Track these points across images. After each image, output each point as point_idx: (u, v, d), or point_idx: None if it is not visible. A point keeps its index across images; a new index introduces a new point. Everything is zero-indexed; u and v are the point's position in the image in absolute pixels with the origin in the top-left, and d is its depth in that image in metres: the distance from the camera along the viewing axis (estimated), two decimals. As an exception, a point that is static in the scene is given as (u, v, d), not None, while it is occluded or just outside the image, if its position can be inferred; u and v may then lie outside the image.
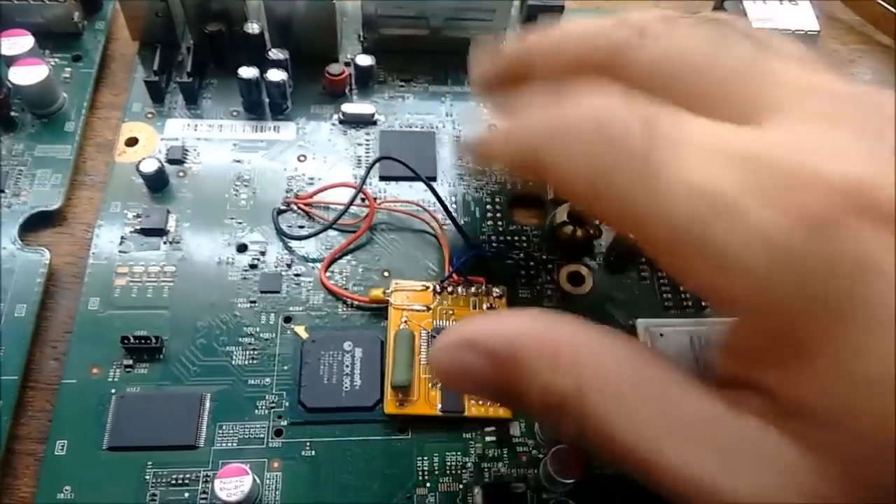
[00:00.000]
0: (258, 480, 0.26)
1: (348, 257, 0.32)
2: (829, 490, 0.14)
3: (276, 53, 0.35)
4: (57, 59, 0.36)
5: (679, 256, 0.16)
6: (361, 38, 0.38)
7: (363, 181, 0.32)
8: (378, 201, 0.33)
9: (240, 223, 0.32)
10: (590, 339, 0.17)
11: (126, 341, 0.28)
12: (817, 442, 0.14)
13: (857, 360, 0.13)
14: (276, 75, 0.34)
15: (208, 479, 0.26)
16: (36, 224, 0.32)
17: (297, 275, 0.31)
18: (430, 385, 0.28)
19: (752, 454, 0.14)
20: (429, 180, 0.33)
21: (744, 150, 0.15)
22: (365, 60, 0.36)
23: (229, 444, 0.27)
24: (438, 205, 0.32)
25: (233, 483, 0.25)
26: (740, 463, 0.14)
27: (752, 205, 0.14)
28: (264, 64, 0.35)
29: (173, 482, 0.26)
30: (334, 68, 0.36)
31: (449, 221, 0.32)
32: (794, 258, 0.13)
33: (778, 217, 0.14)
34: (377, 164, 0.33)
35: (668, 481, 0.15)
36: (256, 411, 0.28)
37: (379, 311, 0.31)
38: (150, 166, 0.32)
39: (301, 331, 0.30)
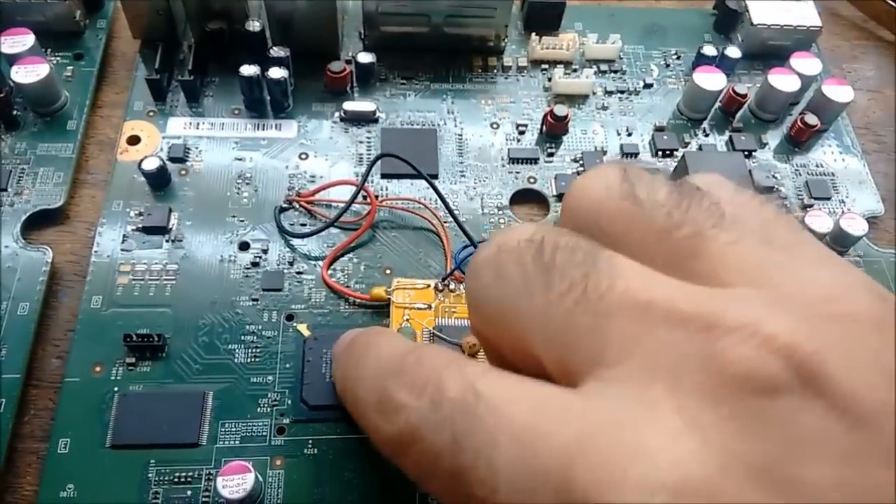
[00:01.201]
0: (260, 478, 0.26)
1: (350, 255, 0.32)
2: None
3: (277, 51, 0.35)
4: (58, 58, 0.36)
5: None
6: (362, 36, 0.38)
7: (364, 179, 0.32)
8: (380, 199, 0.33)
9: (242, 221, 0.32)
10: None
11: (129, 339, 0.28)
12: None
13: None
14: (277, 73, 0.34)
15: (211, 476, 0.26)
16: (38, 222, 0.32)
17: (298, 273, 0.31)
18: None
19: None
20: (430, 178, 0.33)
21: None
22: (366, 58, 0.36)
23: (232, 442, 0.27)
24: (440, 202, 0.32)
25: (235, 481, 0.25)
26: None
27: None
28: (266, 62, 0.35)
29: (176, 480, 0.26)
30: (336, 66, 0.36)
31: (450, 219, 0.32)
32: None
33: None
34: (379, 162, 0.33)
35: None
36: (259, 409, 0.28)
37: (381, 308, 0.31)
38: (151, 164, 0.32)
39: (303, 329, 0.30)
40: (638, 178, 0.17)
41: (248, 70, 0.34)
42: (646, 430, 0.13)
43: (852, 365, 0.13)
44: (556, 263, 0.16)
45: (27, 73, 0.33)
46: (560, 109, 0.35)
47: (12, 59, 0.33)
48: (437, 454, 0.16)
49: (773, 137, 0.37)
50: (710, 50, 0.39)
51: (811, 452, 0.12)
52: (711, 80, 0.36)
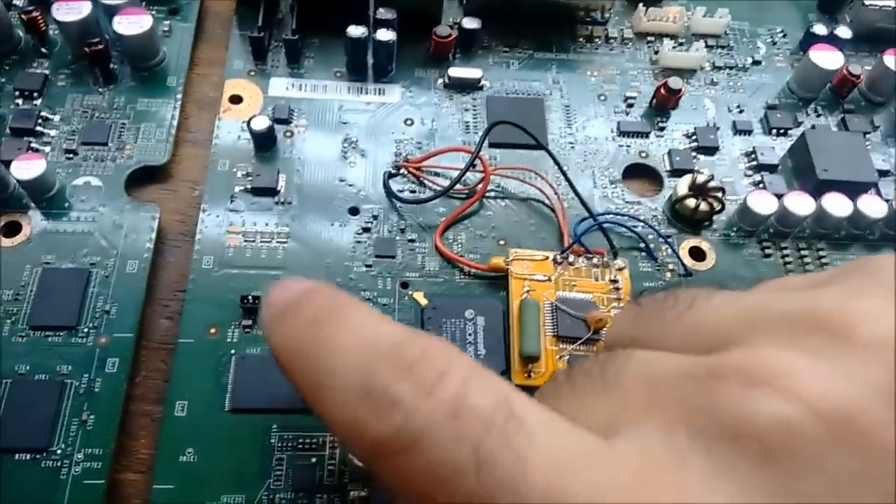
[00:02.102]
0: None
1: (461, 224, 0.31)
2: None
3: (384, 13, 0.34)
4: (154, 12, 0.35)
5: None
6: (464, 1, 0.37)
7: (480, 146, 0.31)
8: (492, 168, 0.32)
9: (350, 185, 0.31)
10: None
11: (245, 301, 0.27)
12: None
13: None
14: (385, 35, 0.33)
15: (335, 444, 0.25)
16: (140, 180, 0.31)
17: (411, 240, 0.30)
18: (557, 357, 0.27)
19: None
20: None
21: None
22: (471, 23, 0.35)
23: (355, 411, 0.26)
24: (551, 173, 0.31)
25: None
26: None
27: None
28: (365, 24, 0.33)
29: (300, 447, 0.25)
30: (442, 30, 0.34)
31: (566, 191, 0.31)
32: None
33: None
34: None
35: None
36: (379, 378, 0.27)
37: (496, 279, 0.29)
38: (261, 124, 0.31)
39: (420, 297, 0.29)
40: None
41: (356, 31, 0.33)
42: (680, 477, 0.13)
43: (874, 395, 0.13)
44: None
45: (129, 25, 0.32)
46: (675, 82, 0.34)
47: (112, 10, 0.32)
48: (450, 470, 0.14)
49: (882, 121, 0.36)
50: (820, 29, 0.37)
51: (850, 493, 0.12)
52: (827, 58, 0.35)
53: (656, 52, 0.37)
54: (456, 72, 0.34)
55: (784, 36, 0.39)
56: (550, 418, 0.15)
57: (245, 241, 0.29)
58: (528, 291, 0.29)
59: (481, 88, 0.35)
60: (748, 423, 0.13)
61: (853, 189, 0.31)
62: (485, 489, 0.13)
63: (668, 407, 0.14)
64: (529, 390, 0.26)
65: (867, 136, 0.35)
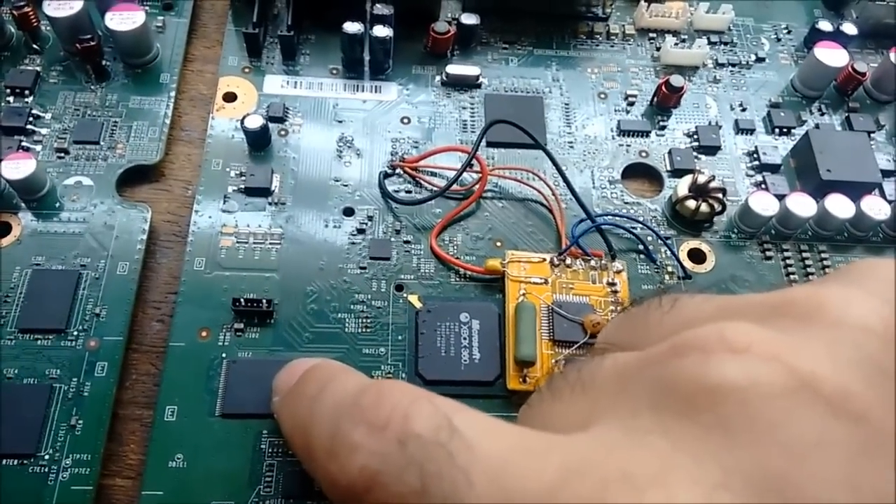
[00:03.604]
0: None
1: (458, 225, 0.30)
2: None
3: (381, 8, 0.33)
4: (147, 7, 0.34)
5: None
6: (462, -3, 0.37)
7: (477, 146, 0.31)
8: (490, 168, 0.31)
9: (345, 185, 0.31)
10: None
11: (237, 304, 0.27)
12: None
13: None
14: (381, 31, 0.32)
15: (327, 451, 0.25)
16: (132, 179, 0.30)
17: (406, 242, 0.30)
18: (553, 361, 0.27)
19: None
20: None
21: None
22: (470, 19, 0.35)
23: (347, 416, 0.26)
24: (550, 173, 0.31)
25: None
26: None
27: None
28: (361, 20, 0.33)
29: (290, 453, 0.25)
30: (440, 26, 0.34)
31: (565, 191, 0.31)
32: None
33: None
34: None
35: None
36: (373, 382, 0.26)
37: (492, 282, 0.29)
38: (255, 122, 0.30)
39: (415, 300, 0.28)
40: None
41: (352, 27, 0.32)
42: (633, 457, 0.13)
43: (839, 366, 0.12)
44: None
45: (122, 21, 0.31)
46: (676, 80, 0.33)
47: (105, 6, 0.32)
48: (405, 495, 0.14)
49: (887, 119, 0.36)
50: (825, 26, 0.37)
51: (811, 455, 0.11)
52: (832, 55, 0.34)
53: (658, 49, 0.36)
54: (454, 69, 0.34)
55: (788, 32, 0.38)
56: (494, 427, 0.15)
57: (238, 242, 0.29)
58: (524, 294, 0.28)
59: (479, 86, 0.34)
60: (704, 389, 0.13)
61: (856, 190, 0.31)
62: None
63: (634, 393, 0.14)
64: (524, 395, 0.26)
65: (872, 134, 0.34)
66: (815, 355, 0.13)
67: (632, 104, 0.34)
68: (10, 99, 0.31)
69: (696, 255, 0.31)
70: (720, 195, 0.31)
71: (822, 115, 0.35)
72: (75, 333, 0.26)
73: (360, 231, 0.30)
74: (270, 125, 0.31)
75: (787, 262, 0.30)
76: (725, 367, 0.13)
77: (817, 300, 0.14)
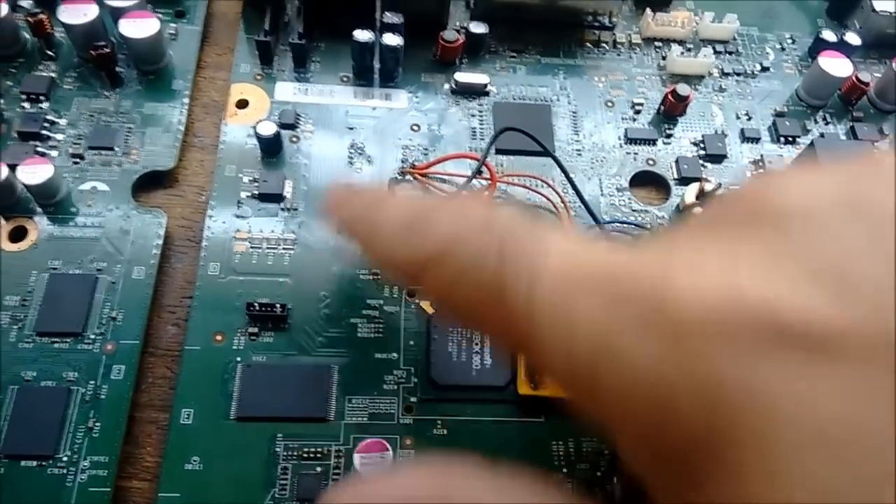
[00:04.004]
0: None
1: (468, 231, 0.31)
2: None
3: (391, 17, 0.33)
4: (160, 15, 0.35)
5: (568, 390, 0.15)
6: (470, 5, 0.37)
7: (486, 153, 0.31)
8: (499, 175, 0.32)
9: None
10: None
11: (251, 308, 0.27)
12: None
13: (741, 486, 0.11)
14: (392, 40, 0.33)
15: (340, 454, 0.25)
16: (147, 185, 0.31)
17: (417, 247, 0.30)
18: (563, 366, 0.27)
19: None
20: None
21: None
22: (478, 28, 0.35)
23: (360, 419, 0.26)
24: (558, 181, 0.31)
25: (374, 458, 0.24)
26: None
27: (624, 339, 0.13)
28: (371, 28, 0.33)
29: (305, 455, 0.25)
30: (449, 35, 0.34)
31: (573, 198, 0.31)
32: (669, 392, 0.12)
33: (652, 348, 0.12)
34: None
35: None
36: (385, 386, 0.27)
37: (502, 287, 0.29)
38: (268, 129, 0.30)
39: (426, 306, 0.29)
40: None
41: (363, 35, 0.33)
42: (697, 249, 0.13)
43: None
44: None
45: (136, 28, 0.32)
46: (682, 89, 0.34)
47: (118, 13, 0.32)
48: (477, 264, 0.16)
49: (891, 129, 0.36)
50: (829, 35, 0.37)
51: (865, 251, 0.12)
52: (837, 65, 0.35)
53: (664, 58, 0.37)
54: (463, 77, 0.34)
55: (793, 42, 0.39)
56: (566, 235, 0.16)
57: (251, 247, 0.29)
58: (534, 300, 0.29)
59: (488, 94, 0.35)
60: (765, 206, 0.13)
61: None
62: (505, 274, 0.15)
63: (702, 225, 0.15)
64: (535, 401, 0.26)
65: (875, 143, 0.35)
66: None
67: (638, 112, 0.35)
68: (26, 105, 0.31)
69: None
70: (726, 203, 0.31)
71: (827, 124, 0.36)
72: (92, 337, 0.26)
73: (372, 237, 0.30)
74: (282, 132, 0.32)
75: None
76: (786, 187, 0.13)
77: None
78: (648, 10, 0.37)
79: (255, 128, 0.31)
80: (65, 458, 0.24)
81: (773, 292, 0.12)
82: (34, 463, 0.24)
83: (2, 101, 0.31)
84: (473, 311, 0.16)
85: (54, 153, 0.30)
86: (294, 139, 0.32)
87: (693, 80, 0.36)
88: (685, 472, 0.12)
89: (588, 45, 0.37)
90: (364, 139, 0.33)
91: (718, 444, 0.12)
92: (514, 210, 0.17)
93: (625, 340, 0.13)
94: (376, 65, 0.34)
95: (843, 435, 0.10)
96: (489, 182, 0.31)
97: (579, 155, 0.33)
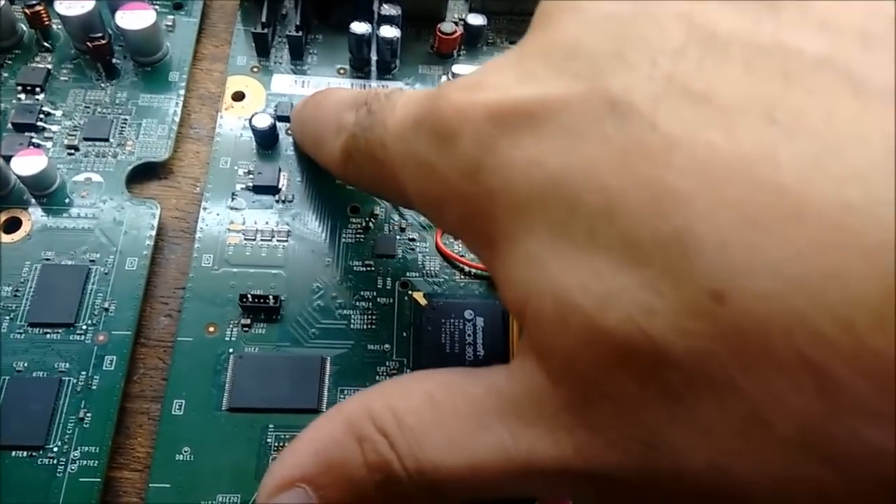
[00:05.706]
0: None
1: (463, 224, 0.31)
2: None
3: (388, 9, 0.33)
4: (157, 7, 0.35)
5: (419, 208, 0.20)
6: (469, -2, 0.37)
7: (482, 145, 0.31)
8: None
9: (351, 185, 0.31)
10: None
11: (244, 300, 0.27)
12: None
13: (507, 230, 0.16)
14: (389, 32, 0.33)
15: (332, 446, 0.25)
16: (141, 176, 0.31)
17: (411, 240, 0.30)
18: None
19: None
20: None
21: None
22: (477, 20, 0.35)
23: (352, 411, 0.26)
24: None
25: (365, 451, 0.24)
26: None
27: (420, 144, 0.18)
28: (369, 20, 0.33)
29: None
30: (447, 27, 0.34)
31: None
32: (445, 180, 0.17)
33: (431, 146, 0.17)
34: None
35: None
36: (378, 377, 0.27)
37: (497, 280, 0.29)
38: (263, 121, 0.30)
39: (419, 297, 0.28)
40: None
41: (360, 27, 0.32)
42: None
43: None
44: None
45: (132, 19, 0.32)
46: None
47: (115, 5, 0.32)
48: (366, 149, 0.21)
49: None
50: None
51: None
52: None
53: (663, 51, 0.36)
54: (460, 69, 0.34)
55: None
56: (415, 91, 0.23)
57: (245, 239, 0.29)
58: (528, 293, 0.28)
59: (485, 86, 0.34)
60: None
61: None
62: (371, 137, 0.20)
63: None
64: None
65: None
66: None
67: (637, 105, 0.35)
68: (22, 96, 0.31)
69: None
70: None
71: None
72: (84, 328, 0.26)
73: (366, 229, 0.30)
74: (278, 124, 0.31)
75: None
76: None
77: None
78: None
79: (250, 120, 0.30)
80: (55, 449, 0.24)
81: (505, 83, 0.15)
82: (24, 453, 0.24)
83: (-2, 92, 0.31)
84: (374, 182, 0.22)
85: (49, 144, 0.30)
86: (290, 131, 0.32)
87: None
88: (481, 237, 0.16)
89: (587, 37, 0.37)
90: (360, 131, 0.32)
91: (489, 209, 0.15)
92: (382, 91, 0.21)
93: (420, 146, 0.17)
94: (373, 57, 0.34)
95: (568, 180, 0.13)
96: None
97: (577, 148, 0.33)
